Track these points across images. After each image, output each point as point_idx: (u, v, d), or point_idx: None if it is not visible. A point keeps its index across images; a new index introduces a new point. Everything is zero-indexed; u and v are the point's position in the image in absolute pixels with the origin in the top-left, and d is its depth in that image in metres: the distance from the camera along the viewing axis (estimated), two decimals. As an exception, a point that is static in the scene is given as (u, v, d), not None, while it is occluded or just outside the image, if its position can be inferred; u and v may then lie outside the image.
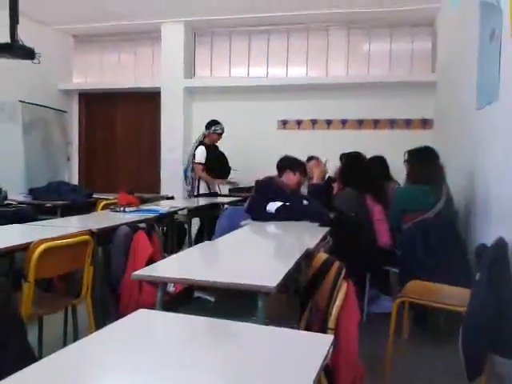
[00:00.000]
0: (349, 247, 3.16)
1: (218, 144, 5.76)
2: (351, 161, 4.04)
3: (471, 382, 2.15)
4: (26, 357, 1.43)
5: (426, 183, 3.44)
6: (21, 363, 0.97)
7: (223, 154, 5.82)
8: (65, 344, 2.82)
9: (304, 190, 4.10)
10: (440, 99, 5.71)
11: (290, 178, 3.66)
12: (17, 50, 4.29)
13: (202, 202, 5.11)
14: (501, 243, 2.36)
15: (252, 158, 6.19)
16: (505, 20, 2.85)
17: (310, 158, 4.67)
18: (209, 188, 5.62)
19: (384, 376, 2.61)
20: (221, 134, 5.64)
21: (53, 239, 2.31)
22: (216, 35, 6.98)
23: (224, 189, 5.96)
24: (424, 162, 3.57)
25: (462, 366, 2.11)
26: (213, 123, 5.61)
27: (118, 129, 7.54)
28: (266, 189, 3.56)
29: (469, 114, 3.78)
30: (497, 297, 2.20)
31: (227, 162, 5.82)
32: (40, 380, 0.95)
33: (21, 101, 6.43)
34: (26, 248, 2.23)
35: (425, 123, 6.22)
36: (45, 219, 3.44)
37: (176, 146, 6.79)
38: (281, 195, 3.42)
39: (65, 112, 7.39)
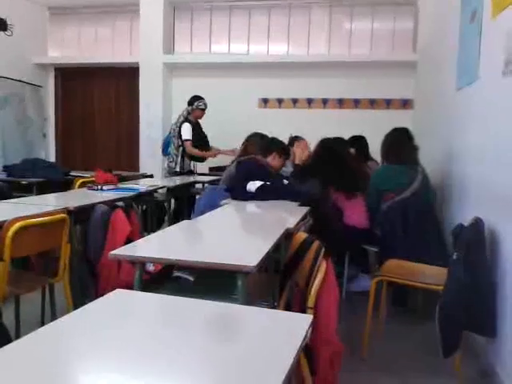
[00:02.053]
0: (328, 226, 3.18)
1: (200, 123, 5.69)
2: (320, 153, 3.82)
3: (446, 359, 2.21)
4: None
5: (401, 163, 3.46)
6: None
7: (205, 135, 5.75)
8: (43, 323, 2.80)
9: (289, 170, 4.11)
10: (420, 79, 5.72)
11: (275, 162, 3.66)
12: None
13: (182, 180, 5.06)
14: (477, 223, 2.40)
15: (232, 136, 6.12)
16: (486, 1, 2.85)
17: (294, 139, 4.63)
18: (182, 167, 5.55)
19: (361, 353, 2.66)
20: (204, 109, 5.58)
21: (28, 217, 2.26)
22: (196, 10, 6.83)
23: (204, 168, 5.92)
24: (399, 142, 3.58)
25: (438, 343, 2.15)
26: (196, 99, 5.54)
27: (96, 105, 7.39)
28: (247, 168, 3.54)
29: (448, 94, 3.80)
30: (473, 276, 2.24)
31: (208, 142, 5.76)
32: (14, 362, 0.93)
33: (-6, 75, 6.25)
34: (0, 226, 2.18)
35: (405, 103, 6.24)
36: (20, 197, 3.37)
37: (155, 122, 6.69)
38: (262, 175, 3.40)
39: (40, 87, 7.19)
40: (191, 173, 5.68)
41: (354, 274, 3.77)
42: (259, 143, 4.03)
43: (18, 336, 2.44)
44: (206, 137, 5.75)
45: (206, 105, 5.56)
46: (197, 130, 5.57)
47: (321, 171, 3.57)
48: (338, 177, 3.60)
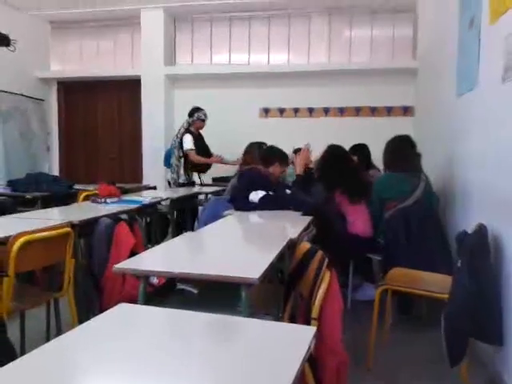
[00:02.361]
0: (331, 236, 3.18)
1: (202, 133, 5.72)
2: (327, 158, 3.82)
3: (453, 368, 2.19)
4: (5, 354, 1.41)
5: (403, 171, 3.46)
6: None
7: (207, 147, 5.78)
8: (48, 338, 2.80)
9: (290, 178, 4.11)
10: (421, 86, 5.73)
11: (277, 171, 3.67)
12: (-9, 36, 4.18)
13: (185, 191, 5.07)
14: (481, 230, 2.39)
15: (234, 146, 6.15)
16: (484, 7, 2.86)
17: (297, 151, 4.64)
18: (185, 178, 5.58)
19: (367, 363, 2.65)
20: (204, 120, 5.61)
21: (33, 232, 2.27)
22: (196, 21, 6.89)
23: (207, 179, 5.94)
24: (401, 150, 3.58)
25: (444, 352, 2.14)
26: (196, 110, 5.58)
27: (98, 118, 7.43)
28: (249, 178, 3.55)
29: (449, 100, 3.81)
30: (478, 283, 2.23)
31: (210, 153, 5.78)
32: (20, 378, 0.93)
33: (-3, 90, 6.30)
34: (5, 241, 2.19)
35: (406, 110, 6.25)
36: (24, 211, 3.39)
37: (157, 134, 6.72)
38: (264, 185, 3.41)
39: (43, 100, 7.24)
40: (194, 184, 5.69)
41: (359, 283, 3.76)
42: (257, 153, 4.05)
43: (23, 351, 2.44)
44: (207, 148, 5.77)
45: (205, 115, 5.59)
46: (198, 140, 5.59)
47: (327, 175, 3.64)
48: (344, 179, 3.61)
